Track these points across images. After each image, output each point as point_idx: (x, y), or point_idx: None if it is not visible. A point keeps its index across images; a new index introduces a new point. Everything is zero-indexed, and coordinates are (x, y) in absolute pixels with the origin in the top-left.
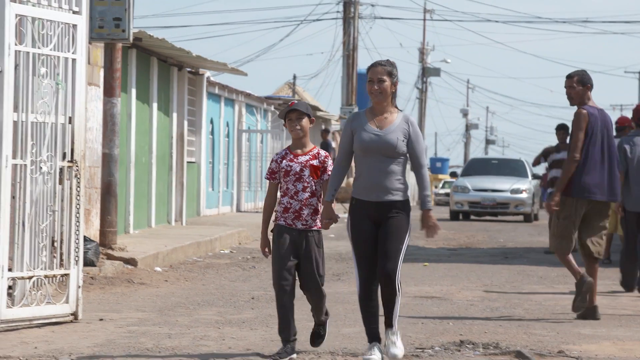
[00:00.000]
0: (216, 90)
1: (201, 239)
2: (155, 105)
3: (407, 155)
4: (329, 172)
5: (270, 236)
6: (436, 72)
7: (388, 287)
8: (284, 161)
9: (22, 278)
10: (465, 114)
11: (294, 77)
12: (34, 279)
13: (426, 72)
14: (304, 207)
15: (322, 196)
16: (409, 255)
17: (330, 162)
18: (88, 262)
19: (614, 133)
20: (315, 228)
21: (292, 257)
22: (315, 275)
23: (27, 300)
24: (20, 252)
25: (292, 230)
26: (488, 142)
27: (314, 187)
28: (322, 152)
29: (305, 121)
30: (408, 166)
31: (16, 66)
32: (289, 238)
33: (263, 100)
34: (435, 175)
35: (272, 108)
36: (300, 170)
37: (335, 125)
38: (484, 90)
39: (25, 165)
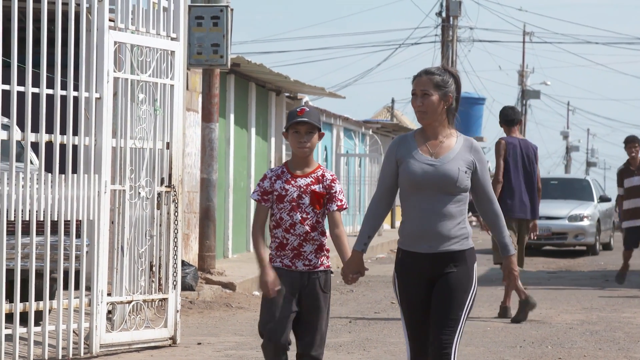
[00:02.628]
0: None
1: None
2: (253, 130)
3: (469, 190)
4: (339, 201)
5: (132, 329)
6: (536, 94)
7: None
8: (279, 182)
9: (122, 302)
10: (565, 136)
11: (392, 101)
12: (133, 303)
13: (526, 94)
14: (304, 243)
15: (325, 231)
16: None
17: (338, 187)
18: (187, 287)
19: None
20: (321, 268)
21: (293, 305)
22: (316, 337)
23: (126, 324)
24: (120, 276)
25: (291, 273)
26: (589, 164)
27: (315, 219)
28: (328, 175)
29: (315, 137)
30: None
31: (115, 93)
32: (288, 282)
33: (361, 124)
34: None
35: (370, 132)
36: (297, 197)
37: None
38: (584, 112)
39: (124, 190)
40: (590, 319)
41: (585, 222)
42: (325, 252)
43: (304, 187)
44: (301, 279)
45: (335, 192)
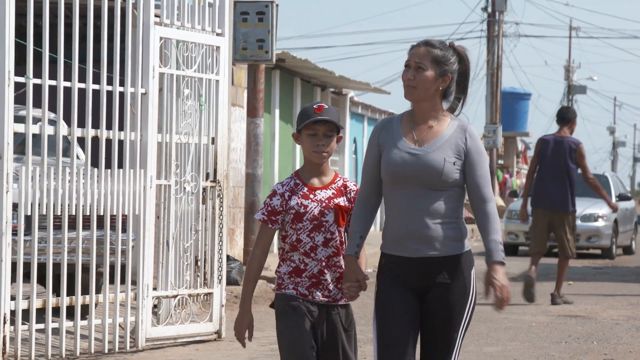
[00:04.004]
0: (359, 110)
1: None
2: None
3: (463, 185)
4: None
5: (178, 323)
6: (582, 89)
7: None
8: (294, 197)
9: (167, 297)
10: (612, 131)
11: None
12: (179, 297)
13: (572, 89)
14: (326, 270)
15: None
16: (553, 274)
17: None
18: (232, 281)
19: None
20: (342, 302)
21: (313, 340)
22: None
23: (171, 318)
24: (165, 271)
25: (308, 304)
26: (636, 160)
27: (339, 239)
28: (351, 185)
29: (334, 141)
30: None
31: (160, 88)
32: (307, 311)
33: None
34: None
35: None
36: (320, 214)
37: None
38: (631, 107)
39: (169, 185)
40: (637, 314)
41: (600, 223)
42: None
43: (326, 201)
44: (319, 313)
45: None
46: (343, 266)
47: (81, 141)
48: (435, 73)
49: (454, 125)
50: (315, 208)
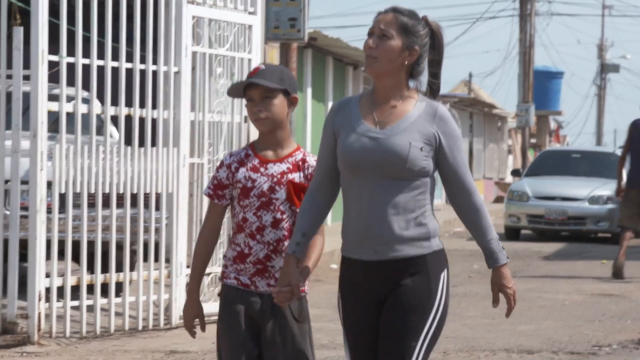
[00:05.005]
0: None
1: None
2: (330, 104)
3: (432, 174)
4: None
5: (210, 300)
6: (615, 68)
7: None
8: (242, 169)
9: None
10: None
11: (470, 75)
12: (212, 275)
13: (605, 68)
14: (273, 255)
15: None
16: (587, 253)
17: None
18: None
19: None
20: None
21: (251, 345)
22: None
23: (204, 296)
24: None
25: (250, 296)
26: None
27: (292, 220)
28: (311, 159)
29: (278, 103)
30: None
31: (193, 67)
32: (244, 310)
33: (438, 98)
34: None
35: (448, 106)
36: (269, 190)
37: (511, 123)
38: None
39: (202, 163)
40: None
41: (610, 206)
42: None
43: (278, 176)
44: (262, 305)
45: None
46: None
47: (114, 120)
48: (402, 44)
49: (421, 106)
50: (264, 183)
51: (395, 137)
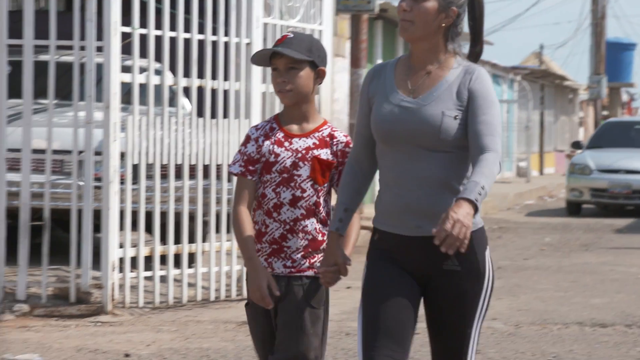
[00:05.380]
0: None
1: None
2: None
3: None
4: None
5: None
6: None
7: None
8: (267, 143)
9: None
10: None
11: (541, 47)
12: None
13: None
14: (289, 235)
15: (328, 221)
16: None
17: None
18: None
19: None
20: (309, 272)
21: (271, 338)
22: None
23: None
24: None
25: None
26: None
27: (314, 199)
28: (340, 136)
29: (304, 75)
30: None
31: (264, 38)
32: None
33: (509, 70)
34: None
35: (519, 78)
36: (292, 166)
37: (583, 95)
38: None
39: None
40: None
41: None
42: (322, 253)
43: (303, 151)
44: (278, 287)
45: None
46: (314, 233)
47: (186, 91)
48: (438, 5)
49: (457, 71)
50: (288, 158)
51: (427, 107)
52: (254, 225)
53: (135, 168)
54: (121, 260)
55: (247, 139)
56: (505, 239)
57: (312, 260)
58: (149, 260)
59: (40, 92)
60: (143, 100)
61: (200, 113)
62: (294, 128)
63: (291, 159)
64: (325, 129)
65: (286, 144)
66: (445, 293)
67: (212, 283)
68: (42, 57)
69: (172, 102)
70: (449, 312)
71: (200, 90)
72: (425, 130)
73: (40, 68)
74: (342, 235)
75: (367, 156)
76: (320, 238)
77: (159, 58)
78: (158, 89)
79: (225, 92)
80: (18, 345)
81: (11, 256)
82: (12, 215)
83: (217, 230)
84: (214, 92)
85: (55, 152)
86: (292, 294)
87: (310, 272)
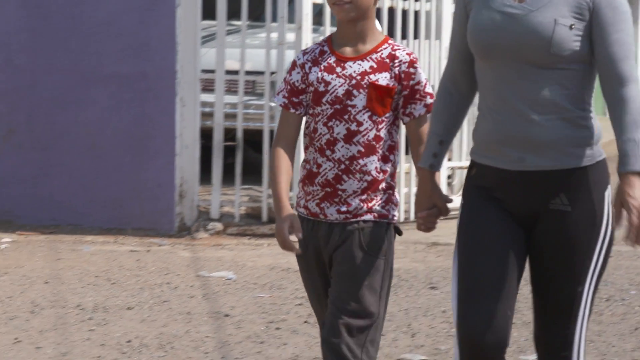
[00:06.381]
0: None
1: None
2: None
3: (589, 59)
4: (427, 98)
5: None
6: None
7: None
8: (315, 69)
9: (461, 168)
10: None
11: None
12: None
13: None
14: (345, 177)
15: (391, 158)
16: None
17: (423, 75)
18: None
19: None
20: (367, 217)
21: (326, 294)
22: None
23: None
24: (459, 141)
25: (319, 229)
26: None
27: (373, 133)
28: (403, 55)
29: None
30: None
31: None
32: (314, 251)
33: None
34: None
35: None
36: (345, 95)
37: None
38: None
39: None
40: None
41: None
42: (384, 195)
43: (358, 77)
44: (331, 236)
45: (420, 83)
46: (374, 173)
47: (378, 12)
48: None
49: None
50: (340, 86)
51: (536, 13)
52: (305, 164)
53: None
54: None
55: (293, 65)
56: None
57: (370, 204)
58: None
59: (233, 13)
60: (333, 22)
61: (391, 34)
62: (348, 50)
63: (344, 87)
64: (385, 48)
65: (338, 69)
66: (551, 239)
67: (401, 204)
68: None
69: None
70: (556, 263)
71: (391, 11)
72: (533, 42)
73: None
74: (438, 172)
75: (465, 73)
76: (381, 177)
77: None
78: None
79: (416, 13)
80: (213, 262)
81: (205, 176)
82: (206, 135)
83: (407, 151)
84: (404, 12)
85: (248, 73)
86: (348, 242)
87: (368, 216)
